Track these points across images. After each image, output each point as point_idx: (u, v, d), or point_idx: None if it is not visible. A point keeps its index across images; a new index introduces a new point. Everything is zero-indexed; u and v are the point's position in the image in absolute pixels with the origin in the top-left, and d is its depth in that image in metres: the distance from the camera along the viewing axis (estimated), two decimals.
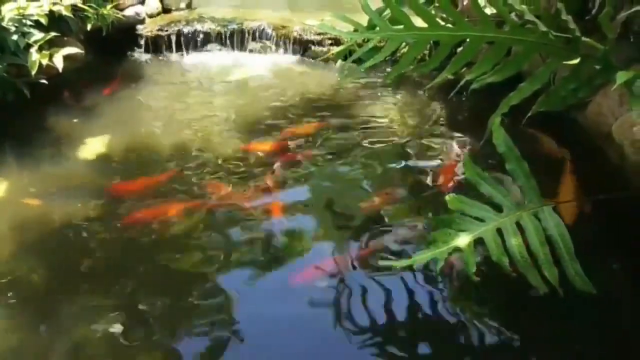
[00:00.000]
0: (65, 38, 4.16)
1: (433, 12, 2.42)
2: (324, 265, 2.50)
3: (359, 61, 3.36)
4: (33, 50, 3.79)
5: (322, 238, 2.74)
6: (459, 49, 2.50)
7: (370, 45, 2.62)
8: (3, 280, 2.40)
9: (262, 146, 3.48)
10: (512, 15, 2.34)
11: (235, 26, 5.20)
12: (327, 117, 3.92)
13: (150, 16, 5.35)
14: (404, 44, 3.42)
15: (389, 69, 4.57)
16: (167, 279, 2.46)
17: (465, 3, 3.96)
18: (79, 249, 2.62)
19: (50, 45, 3.93)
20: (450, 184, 2.92)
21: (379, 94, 4.39)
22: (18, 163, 3.27)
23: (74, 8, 4.21)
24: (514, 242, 2.12)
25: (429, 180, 3.16)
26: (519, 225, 2.18)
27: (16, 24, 3.78)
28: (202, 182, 3.10)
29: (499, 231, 2.17)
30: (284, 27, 5.18)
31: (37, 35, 3.84)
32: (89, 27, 4.39)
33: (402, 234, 2.69)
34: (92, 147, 3.45)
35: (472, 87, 2.50)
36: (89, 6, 4.36)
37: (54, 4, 4.03)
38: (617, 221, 2.55)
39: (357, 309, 2.28)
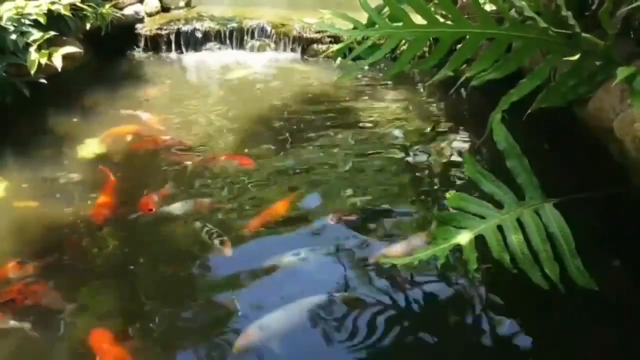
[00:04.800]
0: (64, 37, 4.16)
1: (432, 9, 2.41)
2: None
3: (358, 59, 3.35)
4: (32, 49, 3.78)
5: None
6: (459, 46, 2.49)
7: (370, 42, 2.62)
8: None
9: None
10: (512, 11, 2.33)
11: (234, 24, 5.20)
12: (327, 114, 3.92)
13: (150, 15, 5.36)
14: (403, 41, 3.43)
15: (389, 66, 4.57)
16: (169, 283, 2.46)
17: (464, 0, 3.95)
18: (79, 247, 2.62)
19: (49, 45, 3.92)
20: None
21: (379, 91, 4.39)
22: (17, 163, 3.27)
23: (73, 7, 4.20)
24: (515, 239, 2.11)
25: (428, 177, 3.17)
26: (519, 222, 2.18)
27: (15, 23, 3.78)
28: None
29: (500, 228, 2.16)
30: (283, 25, 5.18)
31: (36, 34, 3.84)
32: (88, 26, 4.40)
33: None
34: (92, 146, 3.44)
35: (472, 84, 2.50)
36: (88, 5, 4.35)
37: (53, 3, 4.02)
38: (617, 217, 2.54)
39: None
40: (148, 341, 2.14)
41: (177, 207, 2.83)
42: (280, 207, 2.82)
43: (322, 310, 2.21)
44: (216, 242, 2.53)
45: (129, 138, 3.55)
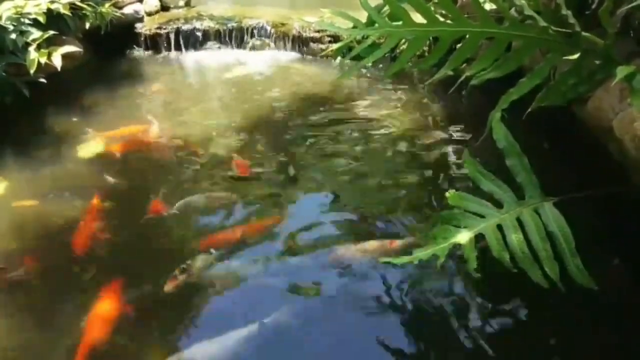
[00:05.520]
0: (64, 37, 4.16)
1: (432, 8, 2.41)
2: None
3: (358, 58, 3.35)
4: (31, 49, 3.79)
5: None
6: (459, 45, 2.49)
7: (369, 41, 2.61)
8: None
9: None
10: (512, 10, 2.33)
11: (234, 24, 5.20)
12: (326, 113, 3.92)
13: (149, 14, 5.35)
14: (403, 40, 3.42)
15: (388, 65, 4.56)
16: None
17: None
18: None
19: (48, 44, 3.92)
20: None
21: (378, 90, 4.38)
22: (17, 162, 3.27)
23: (73, 6, 4.20)
24: (515, 237, 2.11)
25: (427, 176, 3.17)
26: (519, 221, 2.18)
27: (14, 23, 3.78)
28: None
29: (500, 227, 2.16)
30: (282, 24, 5.18)
31: (36, 33, 3.84)
32: (87, 25, 4.40)
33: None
34: (92, 146, 3.44)
35: (472, 83, 2.49)
36: (87, 4, 4.35)
37: (52, 2, 4.02)
38: (617, 216, 2.54)
39: None
40: None
41: (191, 201, 2.83)
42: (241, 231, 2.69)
43: (251, 342, 2.08)
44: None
45: (128, 138, 3.56)
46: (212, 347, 2.06)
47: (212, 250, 2.50)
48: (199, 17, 5.35)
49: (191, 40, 5.17)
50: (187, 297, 2.33)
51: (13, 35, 3.73)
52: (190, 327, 2.21)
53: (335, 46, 4.59)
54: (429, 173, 3.20)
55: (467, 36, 2.41)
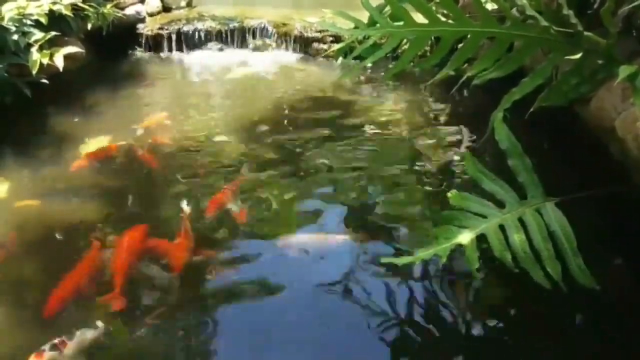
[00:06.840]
0: (66, 37, 4.17)
1: (433, 8, 2.41)
2: None
3: (359, 58, 3.35)
4: (34, 49, 3.79)
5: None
6: (460, 45, 2.49)
7: (371, 42, 2.62)
8: (2, 280, 2.40)
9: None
10: (513, 10, 2.33)
11: (235, 24, 5.21)
12: (327, 114, 3.92)
13: (151, 15, 5.36)
14: (404, 40, 3.43)
15: (390, 65, 4.56)
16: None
17: None
18: (77, 248, 2.61)
19: (50, 45, 3.93)
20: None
21: (380, 90, 4.39)
22: (18, 163, 3.27)
23: (74, 7, 4.21)
24: (517, 238, 2.11)
25: (429, 176, 3.16)
26: (521, 221, 2.18)
27: (16, 24, 3.79)
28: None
29: (502, 227, 2.16)
30: (284, 24, 5.18)
31: (38, 34, 3.85)
32: (89, 26, 4.41)
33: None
34: (93, 146, 3.44)
35: (474, 83, 2.49)
36: (89, 5, 4.36)
37: (54, 3, 4.03)
38: (619, 215, 2.54)
39: None
40: None
41: None
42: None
43: None
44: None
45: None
46: None
47: (99, 323, 2.13)
48: (201, 17, 5.36)
49: (193, 41, 5.18)
50: None
51: (15, 36, 3.74)
52: None
53: (337, 46, 4.60)
54: (430, 172, 3.20)
55: (469, 36, 2.42)
